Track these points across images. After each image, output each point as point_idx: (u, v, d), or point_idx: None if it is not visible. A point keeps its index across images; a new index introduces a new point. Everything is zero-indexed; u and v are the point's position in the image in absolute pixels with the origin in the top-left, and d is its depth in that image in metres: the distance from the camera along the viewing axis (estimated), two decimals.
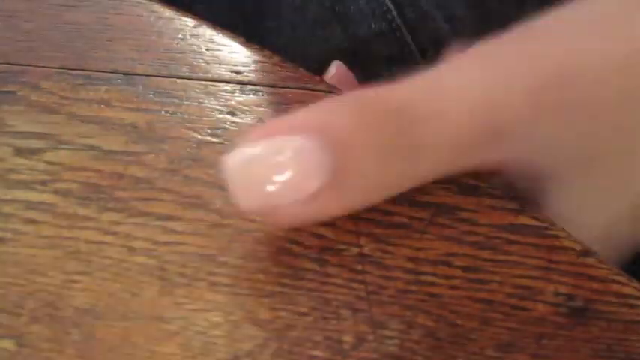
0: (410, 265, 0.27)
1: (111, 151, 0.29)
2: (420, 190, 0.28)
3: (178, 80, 0.31)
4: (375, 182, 0.26)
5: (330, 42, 0.38)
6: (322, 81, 0.31)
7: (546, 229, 0.28)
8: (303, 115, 0.25)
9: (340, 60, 0.31)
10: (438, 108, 0.26)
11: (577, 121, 0.28)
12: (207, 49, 0.32)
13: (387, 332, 0.26)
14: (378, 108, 0.26)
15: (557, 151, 0.28)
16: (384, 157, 0.25)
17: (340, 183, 0.25)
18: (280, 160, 0.24)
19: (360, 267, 0.27)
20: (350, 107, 0.26)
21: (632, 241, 0.30)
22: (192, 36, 0.33)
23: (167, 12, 0.34)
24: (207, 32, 0.33)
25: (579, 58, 0.28)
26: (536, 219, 0.28)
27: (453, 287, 0.26)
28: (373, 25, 0.37)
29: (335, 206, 0.26)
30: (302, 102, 0.31)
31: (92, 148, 0.30)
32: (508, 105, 0.27)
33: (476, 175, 0.29)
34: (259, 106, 0.31)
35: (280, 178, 0.25)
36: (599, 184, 0.29)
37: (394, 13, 0.37)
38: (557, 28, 0.28)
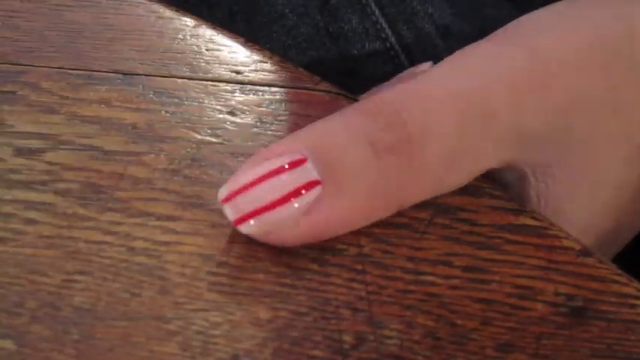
0: (410, 265, 0.27)
1: (111, 151, 0.29)
2: None
3: (178, 80, 0.31)
4: (365, 191, 0.27)
5: (323, 62, 0.38)
6: (322, 81, 0.31)
7: (546, 229, 0.28)
8: (290, 138, 0.27)
9: (334, 80, 0.31)
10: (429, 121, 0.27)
11: (559, 111, 0.28)
12: (207, 49, 0.32)
13: (387, 332, 0.26)
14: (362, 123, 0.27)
15: (541, 143, 0.28)
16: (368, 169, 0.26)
17: (332, 193, 0.26)
18: (273, 182, 0.26)
19: (360, 267, 0.27)
20: (334, 124, 0.27)
21: (616, 237, 0.30)
22: (192, 36, 0.33)
23: (167, 12, 0.34)
24: (207, 32, 0.33)
25: (558, 51, 0.28)
26: (536, 219, 0.28)
27: (452, 287, 0.26)
28: (367, 45, 0.38)
29: (334, 216, 0.26)
30: (302, 102, 0.31)
31: (92, 148, 0.30)
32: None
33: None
34: (259, 106, 0.31)
35: (275, 196, 0.26)
36: (582, 175, 0.29)
37: (388, 31, 0.37)
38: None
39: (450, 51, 0.31)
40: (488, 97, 0.27)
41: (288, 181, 0.26)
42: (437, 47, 0.37)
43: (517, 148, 0.28)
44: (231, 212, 0.26)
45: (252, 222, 0.26)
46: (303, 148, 0.26)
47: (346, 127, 0.27)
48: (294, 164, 0.26)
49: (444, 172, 0.27)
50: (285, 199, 0.26)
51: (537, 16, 0.29)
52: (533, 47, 0.28)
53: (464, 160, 0.27)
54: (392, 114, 0.27)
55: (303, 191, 0.26)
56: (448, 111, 0.27)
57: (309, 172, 0.26)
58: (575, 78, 0.28)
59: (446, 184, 0.28)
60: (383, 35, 0.37)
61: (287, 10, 0.38)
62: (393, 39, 0.37)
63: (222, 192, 0.27)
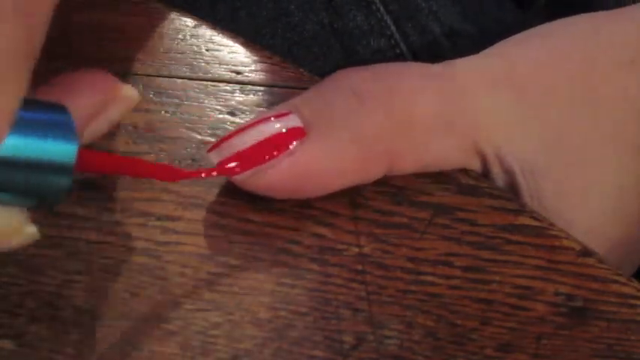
0: (410, 265, 0.27)
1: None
2: (420, 190, 0.28)
3: (178, 80, 0.31)
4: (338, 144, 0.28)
5: (327, 59, 0.38)
6: None
7: (546, 229, 0.28)
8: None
9: None
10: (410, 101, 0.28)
11: (533, 105, 0.28)
12: (207, 49, 0.32)
13: (387, 332, 0.26)
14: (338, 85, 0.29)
15: (522, 134, 0.28)
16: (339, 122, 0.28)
17: (315, 136, 0.27)
18: (256, 129, 0.27)
19: (360, 267, 0.27)
20: (323, 83, 0.29)
21: (632, 246, 0.30)
22: (192, 36, 0.33)
23: (167, 12, 0.34)
24: (207, 32, 0.33)
25: (561, 60, 0.29)
26: (536, 219, 0.28)
27: (453, 287, 0.26)
28: (372, 42, 0.38)
29: (317, 159, 0.27)
30: None
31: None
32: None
33: (476, 175, 0.29)
34: (259, 106, 0.31)
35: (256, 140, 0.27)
36: (573, 173, 0.29)
37: (393, 28, 0.37)
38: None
39: (454, 51, 0.31)
40: (473, 93, 0.29)
41: (271, 129, 0.27)
42: (441, 46, 0.37)
43: (500, 137, 0.28)
44: (215, 157, 0.27)
45: (233, 164, 0.27)
46: (291, 105, 0.28)
47: (333, 82, 0.28)
48: (279, 116, 0.27)
49: (433, 133, 0.28)
50: (266, 143, 0.27)
51: (514, 37, 0.30)
52: (506, 55, 0.29)
53: (451, 132, 0.28)
54: (377, 71, 0.28)
55: (286, 137, 0.27)
56: (435, 86, 0.28)
57: (292, 120, 0.27)
58: (550, 76, 0.29)
59: (433, 149, 0.28)
60: (388, 32, 0.37)
61: (292, 7, 0.38)
62: (397, 36, 0.37)
63: (210, 146, 0.28)
